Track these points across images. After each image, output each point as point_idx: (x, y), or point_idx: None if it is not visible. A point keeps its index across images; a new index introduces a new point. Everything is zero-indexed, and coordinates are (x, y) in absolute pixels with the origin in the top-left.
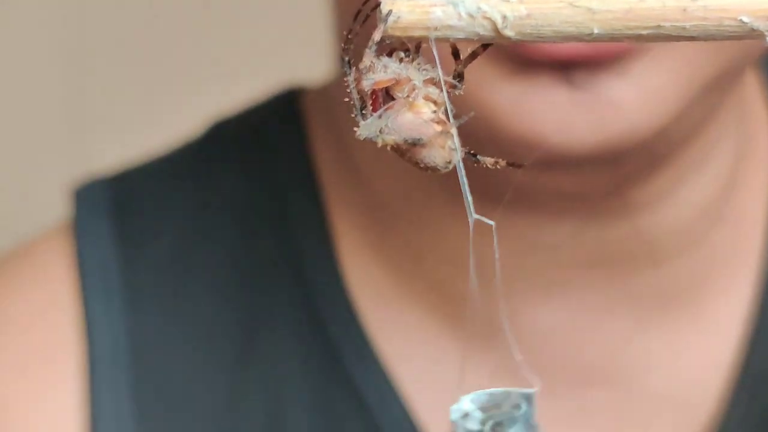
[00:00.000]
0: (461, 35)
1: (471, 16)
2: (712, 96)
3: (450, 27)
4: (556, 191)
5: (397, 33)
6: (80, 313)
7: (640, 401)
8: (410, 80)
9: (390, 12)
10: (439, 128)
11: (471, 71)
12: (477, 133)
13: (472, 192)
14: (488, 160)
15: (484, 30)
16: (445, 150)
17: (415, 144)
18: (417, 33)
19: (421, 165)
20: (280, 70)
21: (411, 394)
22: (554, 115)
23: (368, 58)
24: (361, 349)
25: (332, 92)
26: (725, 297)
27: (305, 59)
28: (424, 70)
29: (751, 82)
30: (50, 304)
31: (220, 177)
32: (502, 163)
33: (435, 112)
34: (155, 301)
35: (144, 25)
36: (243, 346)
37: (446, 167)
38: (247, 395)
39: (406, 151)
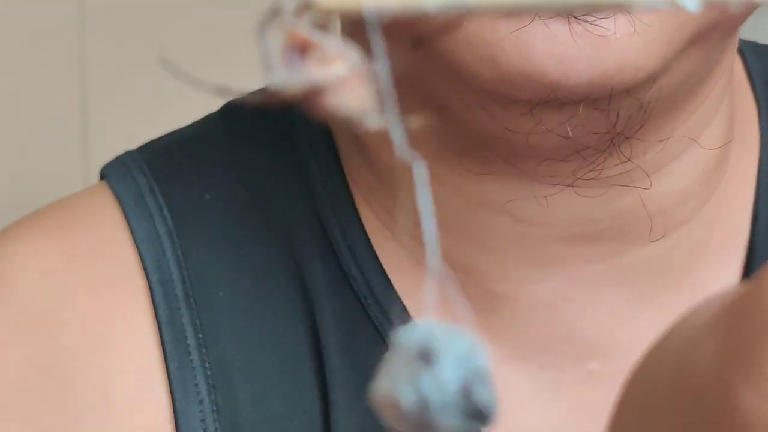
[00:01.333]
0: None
1: None
2: (700, 52)
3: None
4: (550, 142)
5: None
6: (134, 247)
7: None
8: (323, 47)
9: None
10: (347, 78)
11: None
12: (482, 74)
13: (471, 149)
14: (412, 121)
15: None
16: (360, 98)
17: (322, 91)
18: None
19: (337, 116)
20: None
21: None
22: (554, 49)
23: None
24: (387, 304)
25: None
26: (716, 273)
27: None
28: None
29: (738, 71)
30: (108, 237)
31: (242, 146)
32: (420, 123)
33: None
34: (201, 242)
35: (145, 23)
36: (289, 287)
37: (363, 119)
38: (295, 325)
39: (316, 102)
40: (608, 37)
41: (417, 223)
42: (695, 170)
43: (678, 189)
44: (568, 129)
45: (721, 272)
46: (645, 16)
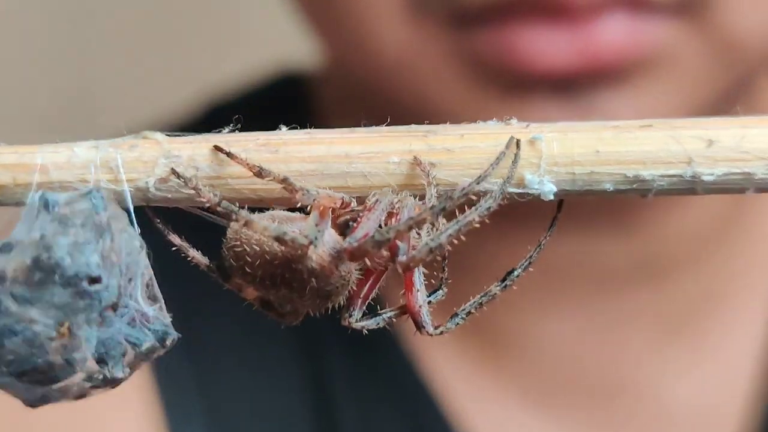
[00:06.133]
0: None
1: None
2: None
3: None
4: None
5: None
6: None
7: (658, 414)
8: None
9: None
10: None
11: (462, 93)
12: None
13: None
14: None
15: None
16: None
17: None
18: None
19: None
20: (267, 51)
21: (435, 378)
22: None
23: None
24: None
25: (322, 88)
26: (740, 311)
27: (292, 39)
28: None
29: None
30: None
31: None
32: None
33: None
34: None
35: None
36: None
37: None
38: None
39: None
40: (605, 112)
41: None
42: (708, 211)
43: (689, 230)
44: None
45: (745, 309)
46: (646, 97)
